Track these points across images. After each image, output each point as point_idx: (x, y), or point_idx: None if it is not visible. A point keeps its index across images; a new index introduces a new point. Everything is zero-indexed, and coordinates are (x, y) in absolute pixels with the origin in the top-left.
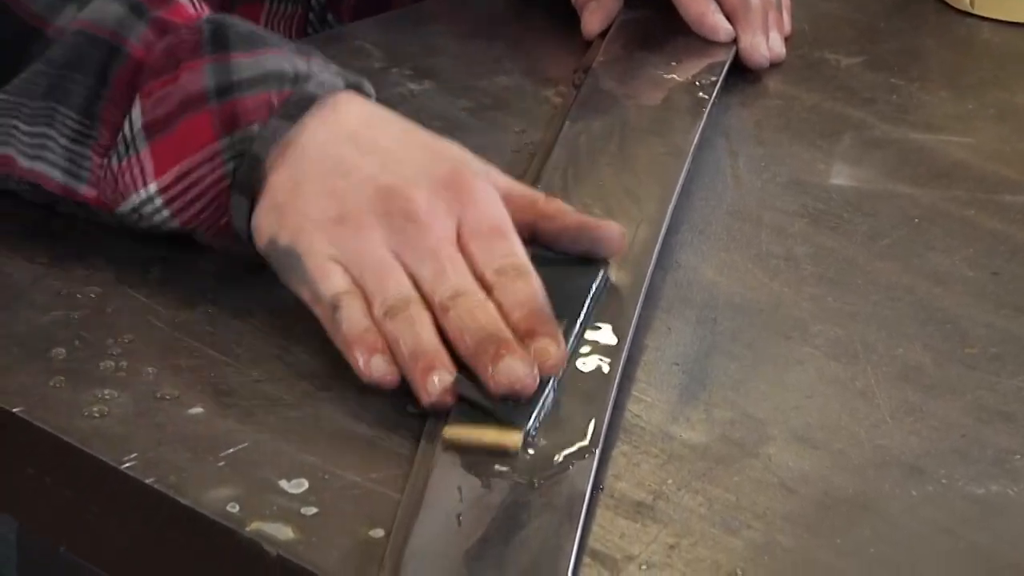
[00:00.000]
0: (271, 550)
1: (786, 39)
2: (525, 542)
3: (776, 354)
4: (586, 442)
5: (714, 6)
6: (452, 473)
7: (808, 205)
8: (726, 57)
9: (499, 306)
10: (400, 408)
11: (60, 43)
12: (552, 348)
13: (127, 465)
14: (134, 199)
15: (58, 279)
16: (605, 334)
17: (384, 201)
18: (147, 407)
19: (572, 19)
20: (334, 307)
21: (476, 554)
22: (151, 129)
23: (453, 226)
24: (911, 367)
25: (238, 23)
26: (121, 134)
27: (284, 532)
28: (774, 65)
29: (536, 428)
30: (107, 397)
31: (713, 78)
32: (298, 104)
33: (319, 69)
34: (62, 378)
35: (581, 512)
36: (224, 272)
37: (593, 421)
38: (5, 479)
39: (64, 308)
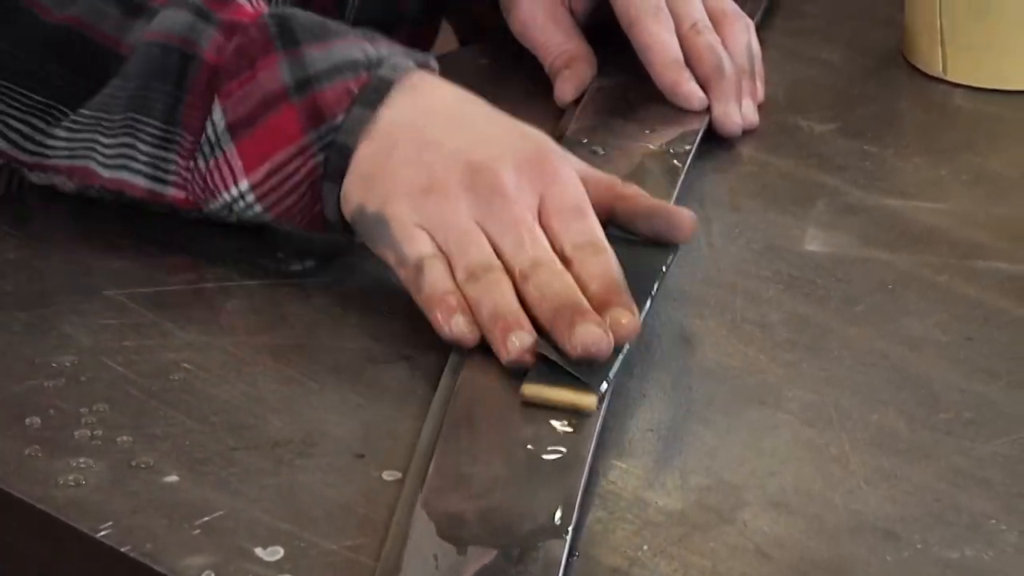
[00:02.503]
0: None
1: (759, 106)
2: None
3: (751, 420)
4: (561, 510)
5: (688, 74)
6: (428, 540)
7: (782, 271)
8: (699, 125)
9: (576, 279)
10: (376, 475)
11: (134, 57)
12: (626, 317)
13: (103, 533)
14: (225, 197)
15: (32, 347)
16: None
17: (472, 174)
18: (122, 475)
19: (546, 86)
20: (418, 269)
21: None
22: (235, 129)
23: (536, 203)
24: (885, 432)
25: (300, 15)
26: (204, 136)
27: None
28: (747, 132)
29: (609, 392)
30: (82, 466)
31: (687, 146)
32: (377, 89)
33: (388, 52)
34: (37, 447)
35: None
36: (199, 340)
37: (569, 489)
38: None
39: (39, 377)
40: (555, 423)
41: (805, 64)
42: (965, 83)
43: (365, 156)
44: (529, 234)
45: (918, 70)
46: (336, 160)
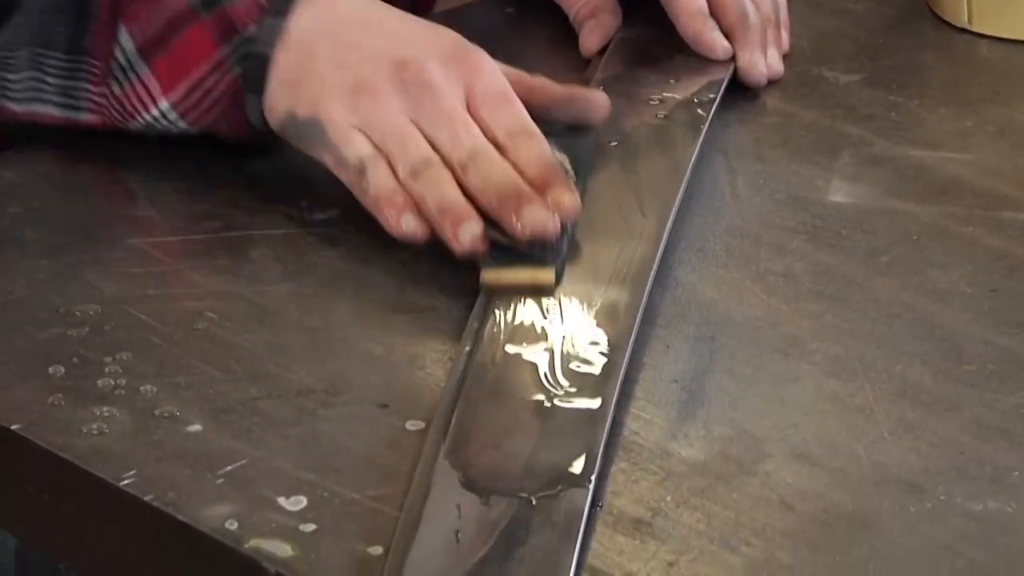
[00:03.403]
0: (269, 567)
1: (784, 56)
2: (524, 560)
3: (774, 371)
4: (584, 460)
5: (712, 24)
6: (451, 490)
7: (807, 222)
8: (724, 75)
9: (513, 164)
10: (399, 425)
11: None
12: (567, 196)
13: (126, 482)
14: (146, 117)
15: (57, 296)
16: (603, 351)
17: (398, 71)
18: (146, 425)
19: (571, 36)
20: (360, 171)
21: (474, 572)
22: (146, 50)
23: (463, 94)
24: (910, 384)
25: None
26: (115, 61)
27: (283, 549)
28: (772, 82)
29: (562, 268)
30: (106, 415)
31: (711, 95)
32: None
33: None
34: (61, 396)
35: (580, 529)
36: (222, 289)
37: (592, 438)
38: (4, 496)
39: (63, 326)
40: (580, 366)
41: (830, 14)
42: (990, 34)
43: (285, 64)
44: (463, 125)
45: (943, 21)
46: (254, 71)
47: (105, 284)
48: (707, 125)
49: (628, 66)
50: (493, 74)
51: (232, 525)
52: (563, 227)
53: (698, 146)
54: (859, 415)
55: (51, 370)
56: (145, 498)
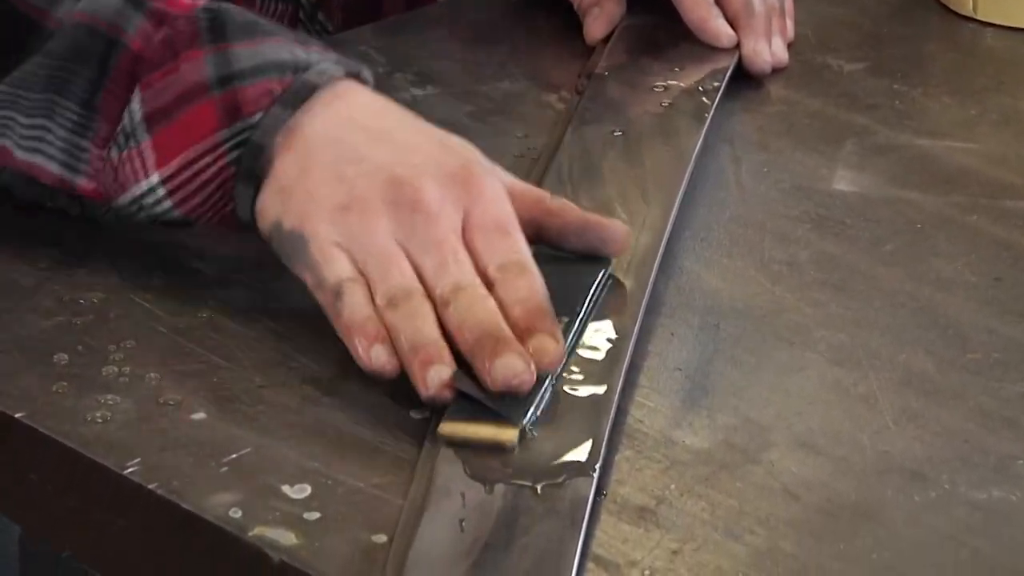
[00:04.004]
0: (273, 555)
1: (789, 44)
2: (528, 548)
3: (779, 360)
4: (589, 448)
5: (716, 11)
6: (455, 478)
7: (811, 211)
8: (729, 63)
9: (500, 302)
10: (403, 413)
11: (59, 35)
12: (551, 345)
13: (130, 471)
14: (135, 190)
15: (61, 284)
16: (608, 339)
17: (393, 190)
18: (149, 413)
19: (575, 24)
20: (336, 293)
21: (479, 560)
22: (152, 120)
23: (459, 220)
24: (914, 373)
25: (235, 11)
26: (121, 126)
27: (287, 537)
28: (777, 71)
29: (534, 424)
30: (110, 403)
31: (716, 84)
32: (299, 92)
33: (319, 57)
34: (64, 384)
35: (584, 517)
36: (227, 278)
37: (596, 426)
38: (7, 484)
39: (67, 313)
40: (584, 354)
41: (835, 3)
42: (995, 22)
43: (283, 167)
44: (452, 255)
45: (948, 9)
46: (249, 160)
47: (109, 272)
48: (711, 114)
49: (632, 54)
50: (495, 201)
51: (236, 513)
52: (540, 379)
53: (702, 135)
54: (863, 404)
55: (55, 358)
56: (149, 486)
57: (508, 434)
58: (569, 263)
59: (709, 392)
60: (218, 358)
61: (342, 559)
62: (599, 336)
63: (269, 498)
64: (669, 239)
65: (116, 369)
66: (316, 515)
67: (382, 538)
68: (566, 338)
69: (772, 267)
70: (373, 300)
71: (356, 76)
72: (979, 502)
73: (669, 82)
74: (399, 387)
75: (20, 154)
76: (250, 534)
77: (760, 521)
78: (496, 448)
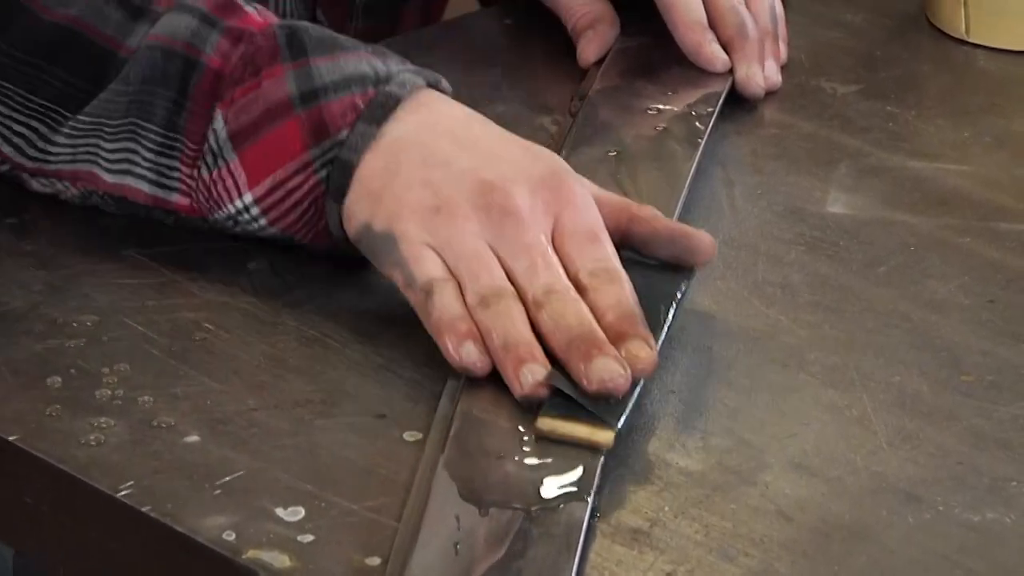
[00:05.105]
0: None
1: (782, 68)
2: (523, 571)
3: (772, 382)
4: (583, 471)
5: (711, 36)
6: (449, 501)
7: (804, 233)
8: (722, 87)
9: (591, 307)
10: (397, 435)
11: (136, 61)
12: (644, 351)
13: (123, 493)
14: (230, 208)
15: (54, 307)
16: (596, 436)
17: (483, 194)
18: (143, 435)
19: (568, 47)
20: (427, 292)
21: None
22: (238, 138)
23: (549, 225)
24: (907, 394)
25: (311, 27)
26: (207, 145)
27: (280, 560)
28: (770, 94)
29: (624, 426)
30: (103, 425)
31: (709, 108)
32: (383, 105)
33: (398, 68)
34: (58, 407)
35: (579, 541)
36: (220, 301)
37: (591, 450)
38: (1, 507)
39: (60, 336)
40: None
41: (828, 26)
42: (988, 45)
43: (370, 173)
44: (543, 259)
45: (941, 32)
46: (338, 177)
47: (102, 295)
48: (705, 137)
49: (626, 77)
50: (584, 208)
51: (230, 536)
52: (634, 382)
53: (696, 158)
54: (857, 425)
55: (49, 381)
56: (143, 509)
57: (604, 436)
58: (653, 270)
59: (703, 414)
60: (211, 381)
61: None
62: None
63: (263, 520)
64: None
65: (109, 392)
66: (310, 537)
67: (376, 560)
68: (656, 344)
69: (766, 289)
70: (464, 300)
71: (436, 86)
72: (973, 524)
73: (663, 105)
74: (393, 410)
75: (110, 177)
76: (244, 557)
77: (754, 543)
78: (591, 448)
